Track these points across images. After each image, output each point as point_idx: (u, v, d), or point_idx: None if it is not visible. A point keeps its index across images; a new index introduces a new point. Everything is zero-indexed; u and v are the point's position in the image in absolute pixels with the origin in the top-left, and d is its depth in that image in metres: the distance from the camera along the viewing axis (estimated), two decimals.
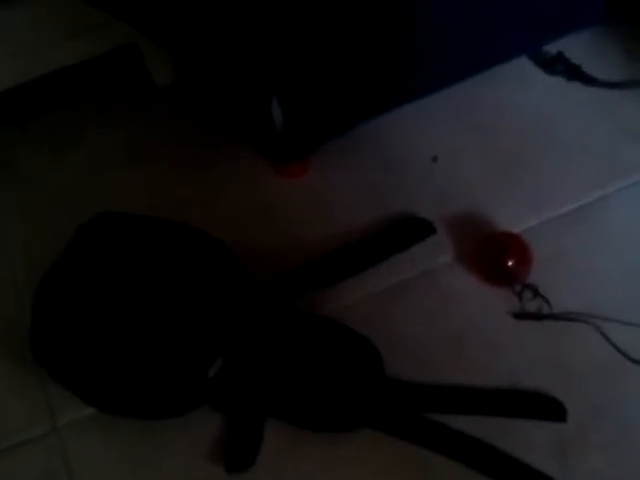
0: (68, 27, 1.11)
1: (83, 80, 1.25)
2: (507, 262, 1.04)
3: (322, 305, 1.05)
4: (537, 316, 1.03)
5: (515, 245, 1.06)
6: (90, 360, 0.95)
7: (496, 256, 1.05)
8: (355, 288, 1.07)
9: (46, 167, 1.21)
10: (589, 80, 1.23)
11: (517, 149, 1.18)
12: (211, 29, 1.02)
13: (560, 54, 1.25)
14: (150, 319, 0.96)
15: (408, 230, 1.11)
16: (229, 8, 0.97)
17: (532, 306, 1.04)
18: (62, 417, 1.00)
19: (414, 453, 0.95)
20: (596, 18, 1.23)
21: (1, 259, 1.14)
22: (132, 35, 1.14)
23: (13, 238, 1.15)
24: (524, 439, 0.95)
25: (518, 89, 1.24)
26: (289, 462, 0.96)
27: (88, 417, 1.00)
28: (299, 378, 0.98)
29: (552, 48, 1.25)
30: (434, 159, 1.17)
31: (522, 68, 1.25)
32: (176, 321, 0.96)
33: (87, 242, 1.01)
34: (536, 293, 1.03)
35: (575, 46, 1.25)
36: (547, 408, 0.97)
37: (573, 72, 1.24)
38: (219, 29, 1.01)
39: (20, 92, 1.16)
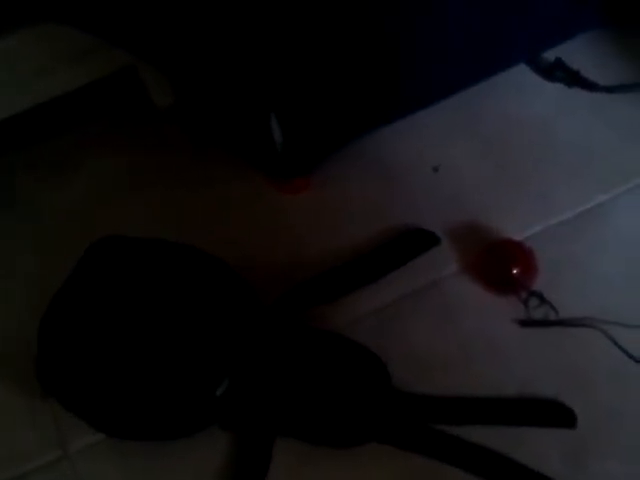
0: (65, 53, 1.11)
1: (82, 105, 1.26)
2: (512, 270, 1.04)
3: (328, 320, 1.05)
4: (544, 323, 1.03)
5: (520, 253, 1.06)
6: (97, 385, 0.95)
7: (501, 264, 1.05)
8: (361, 302, 1.06)
9: (47, 193, 1.21)
10: (589, 85, 1.23)
11: (519, 156, 1.18)
12: (207, 46, 1.02)
13: (559, 60, 1.24)
14: (157, 341, 0.96)
15: (412, 242, 1.11)
16: (225, 24, 0.97)
17: (539, 313, 1.03)
18: (73, 443, 1.00)
19: (425, 465, 0.95)
20: (594, 22, 1.23)
21: (7, 285, 1.14)
22: (130, 58, 1.15)
23: (17, 265, 1.16)
24: (536, 447, 0.95)
25: (518, 97, 1.24)
26: (297, 478, 0.95)
27: (99, 442, 1.00)
28: (307, 395, 0.98)
29: (550, 55, 1.25)
30: (435, 169, 1.17)
31: (521, 76, 1.25)
32: (183, 342, 0.96)
33: (93, 267, 1.02)
34: (542, 300, 1.03)
35: (574, 52, 1.24)
36: (556, 415, 0.97)
37: (573, 78, 1.24)
38: (215, 45, 1.01)
39: (19, 119, 1.16)
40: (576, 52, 1.25)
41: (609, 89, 1.22)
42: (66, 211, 1.20)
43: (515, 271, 1.04)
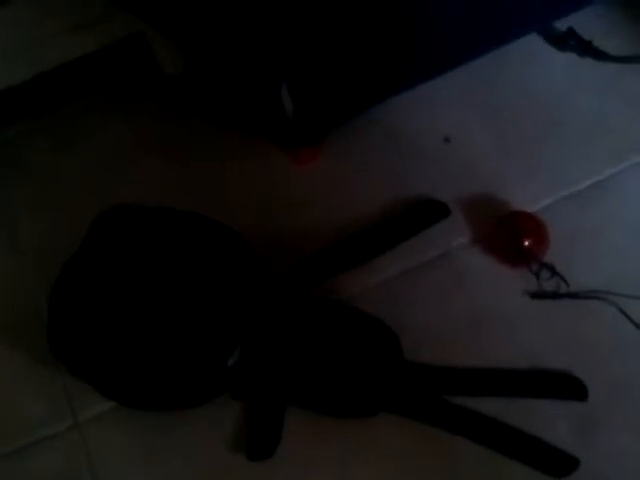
0: (74, 19, 1.10)
1: (91, 72, 1.25)
2: (524, 242, 1.04)
3: (339, 290, 1.05)
4: (555, 295, 1.02)
5: (531, 224, 1.06)
6: (109, 353, 0.95)
7: (513, 236, 1.05)
8: (372, 272, 1.06)
9: (57, 162, 1.20)
10: (601, 55, 1.22)
11: (530, 127, 1.17)
12: (219, 16, 1.01)
13: (571, 30, 1.23)
14: (168, 310, 0.95)
15: (423, 213, 1.10)
16: None
17: (550, 285, 1.03)
18: (83, 412, 1.01)
19: (435, 436, 0.95)
20: None
21: (16, 254, 1.13)
22: (140, 25, 1.14)
23: (28, 233, 1.15)
24: (546, 419, 0.95)
25: (529, 67, 1.23)
26: (310, 449, 0.96)
27: (109, 411, 1.00)
28: (318, 364, 0.98)
29: (562, 24, 1.24)
30: (447, 140, 1.17)
31: (533, 45, 1.24)
32: (194, 311, 0.95)
33: (103, 235, 1.01)
34: (553, 272, 1.03)
35: (585, 21, 1.23)
36: (567, 387, 0.97)
37: (584, 48, 1.22)
38: (227, 16, 1.00)
39: (28, 87, 1.15)
40: (588, 22, 1.23)
41: (621, 59, 1.21)
42: (75, 180, 1.19)
43: (527, 243, 1.04)
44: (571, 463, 0.92)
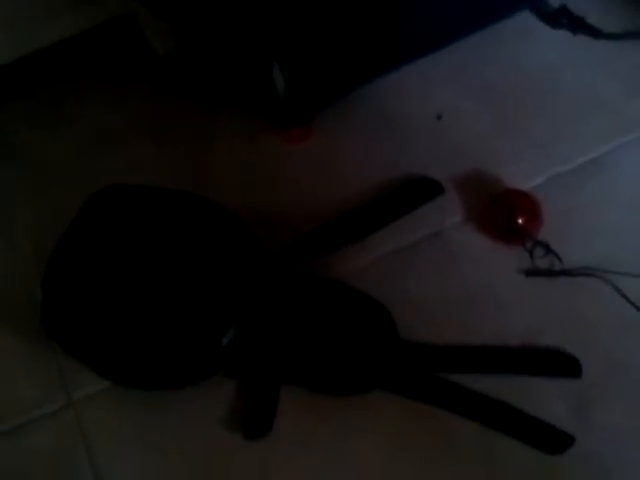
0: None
1: (81, 53, 1.23)
2: (517, 220, 1.03)
3: (333, 269, 1.04)
4: (549, 273, 1.02)
5: (525, 202, 1.06)
6: (103, 332, 0.94)
7: (506, 214, 1.05)
8: (365, 251, 1.06)
9: (46, 144, 1.20)
10: (594, 33, 1.22)
11: (523, 105, 1.17)
12: None
13: (564, 7, 1.23)
14: (162, 289, 0.95)
15: (416, 191, 1.10)
16: None
17: (544, 263, 1.03)
18: (77, 391, 1.00)
19: (430, 413, 0.95)
20: None
21: (7, 237, 1.13)
22: (130, 5, 1.13)
23: (18, 215, 1.15)
24: (541, 396, 0.95)
25: (522, 44, 1.22)
26: (306, 427, 0.96)
27: (103, 390, 1.00)
28: (312, 342, 0.98)
29: (555, 1, 1.23)
30: (439, 117, 1.16)
31: (526, 22, 1.24)
32: (188, 290, 0.95)
33: (96, 214, 1.00)
34: (548, 250, 1.03)
35: None
36: (561, 364, 0.97)
37: (578, 25, 1.22)
38: None
39: (16, 68, 1.14)
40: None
41: (614, 36, 1.21)
42: (66, 161, 1.18)
43: (520, 220, 1.03)
44: (566, 440, 0.92)
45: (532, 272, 1.03)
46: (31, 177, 1.17)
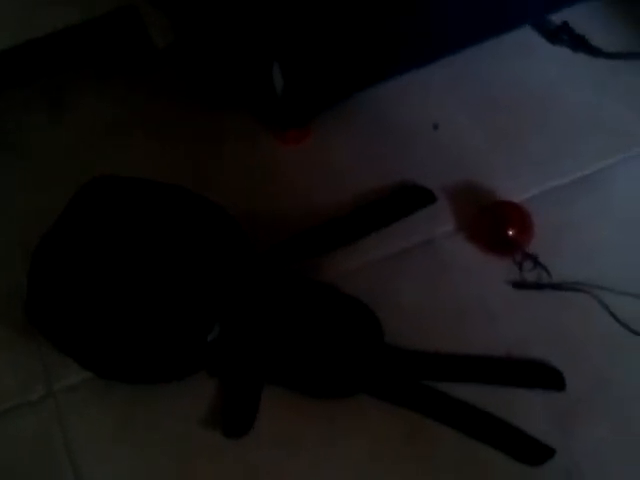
0: None
1: (81, 43, 1.23)
2: (508, 231, 1.03)
3: (322, 272, 1.04)
4: (537, 286, 1.02)
5: (516, 214, 1.06)
6: (88, 324, 0.94)
7: (497, 225, 1.05)
8: (355, 255, 1.06)
9: (43, 132, 1.20)
10: (594, 51, 1.22)
11: (520, 118, 1.17)
12: None
13: (565, 24, 1.23)
14: (149, 284, 0.95)
15: (409, 198, 1.10)
16: None
17: (533, 276, 1.03)
18: (58, 382, 1.00)
19: (412, 420, 0.95)
20: None
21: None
22: None
23: (10, 204, 1.14)
24: (524, 408, 0.95)
25: (522, 59, 1.22)
26: (286, 427, 0.96)
27: (84, 382, 0.99)
28: (297, 344, 0.98)
29: (557, 18, 1.24)
30: (435, 127, 1.16)
31: (526, 38, 1.24)
32: (175, 286, 0.95)
33: (84, 206, 1.00)
34: (536, 263, 1.03)
35: (580, 16, 1.23)
36: (545, 377, 0.97)
37: (578, 42, 1.22)
38: None
39: (17, 55, 1.14)
40: (582, 18, 1.24)
41: (613, 56, 1.22)
42: (60, 151, 1.18)
43: (511, 232, 1.03)
44: (546, 452, 0.92)
45: (520, 284, 1.03)
46: (25, 164, 1.17)
